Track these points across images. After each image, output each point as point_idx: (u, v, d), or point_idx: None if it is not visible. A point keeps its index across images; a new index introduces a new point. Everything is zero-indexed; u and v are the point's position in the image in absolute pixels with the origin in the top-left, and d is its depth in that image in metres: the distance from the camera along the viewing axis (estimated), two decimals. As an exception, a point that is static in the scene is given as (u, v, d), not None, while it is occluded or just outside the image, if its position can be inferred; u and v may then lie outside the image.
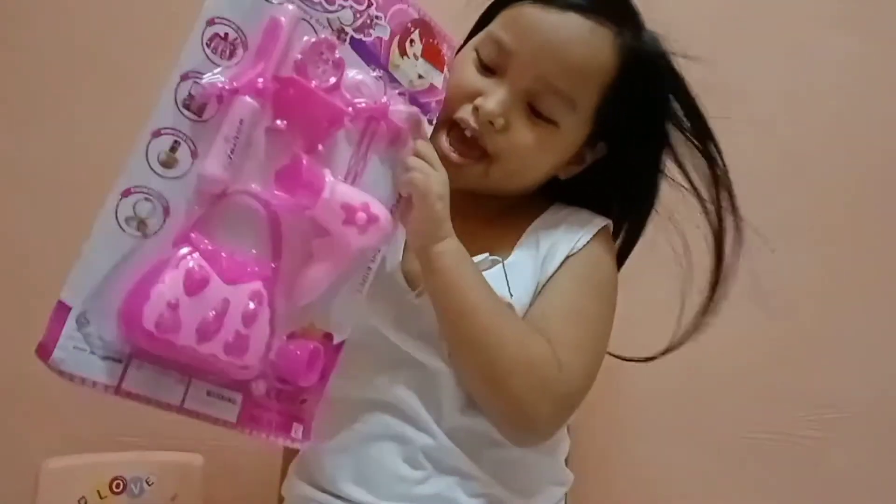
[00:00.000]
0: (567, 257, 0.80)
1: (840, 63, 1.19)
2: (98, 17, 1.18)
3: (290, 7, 0.64)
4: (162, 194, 0.59)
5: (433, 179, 0.70)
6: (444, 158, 0.75)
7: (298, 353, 0.66)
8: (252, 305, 0.61)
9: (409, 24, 0.73)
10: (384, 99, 0.70)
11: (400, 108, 0.71)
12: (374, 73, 0.70)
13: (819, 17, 1.17)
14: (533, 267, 0.80)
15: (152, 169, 0.59)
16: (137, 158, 0.58)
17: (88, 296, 0.57)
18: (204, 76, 0.60)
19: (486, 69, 0.78)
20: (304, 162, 0.63)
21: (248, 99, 0.61)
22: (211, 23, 0.61)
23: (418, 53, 0.74)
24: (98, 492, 1.02)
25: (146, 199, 0.59)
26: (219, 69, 0.61)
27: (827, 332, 1.19)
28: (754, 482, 1.19)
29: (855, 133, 1.22)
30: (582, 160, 0.85)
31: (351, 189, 0.67)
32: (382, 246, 0.71)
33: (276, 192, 0.64)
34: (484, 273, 0.76)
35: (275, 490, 0.97)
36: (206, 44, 0.60)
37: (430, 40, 0.75)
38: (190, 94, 0.60)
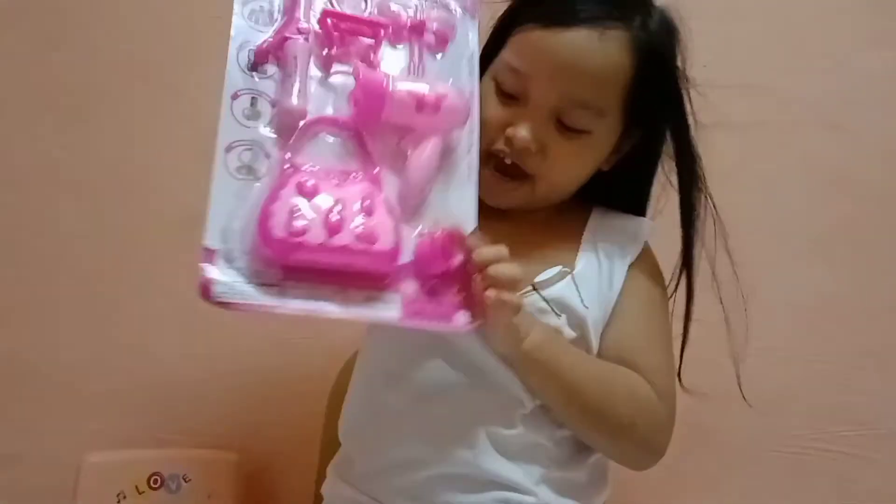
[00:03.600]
0: (629, 269, 0.83)
1: (878, 77, 1.22)
2: (148, 23, 1.23)
3: None
4: (257, 141, 0.67)
5: (507, 297, 0.69)
6: (490, 186, 0.79)
7: (428, 241, 0.69)
8: (367, 201, 0.66)
9: None
10: (419, 9, 0.76)
11: (435, 13, 0.77)
12: (404, -9, 0.77)
13: (856, 33, 1.20)
14: (599, 278, 0.82)
15: (241, 124, 0.67)
16: (226, 119, 0.67)
17: (226, 237, 0.63)
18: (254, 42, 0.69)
19: (508, 97, 0.80)
20: (360, 70, 0.69)
21: (294, 38, 0.69)
22: (245, 3, 0.71)
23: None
24: (136, 487, 1.04)
25: (246, 148, 0.67)
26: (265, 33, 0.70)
27: (863, 349, 1.18)
28: (789, 498, 1.19)
29: (894, 146, 1.23)
30: (620, 149, 0.86)
31: (411, 80, 0.72)
32: (462, 126, 0.74)
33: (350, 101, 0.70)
34: (556, 285, 0.79)
35: (308, 487, 1.01)
36: (248, 18, 0.70)
37: None
38: (248, 58, 0.69)
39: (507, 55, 0.81)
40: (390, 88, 0.69)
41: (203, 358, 1.17)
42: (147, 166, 1.18)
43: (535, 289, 0.78)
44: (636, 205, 0.89)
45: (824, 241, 1.15)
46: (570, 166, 0.82)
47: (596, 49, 0.77)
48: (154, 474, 1.05)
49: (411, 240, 0.69)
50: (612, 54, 0.78)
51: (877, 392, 1.18)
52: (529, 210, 0.84)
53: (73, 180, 1.18)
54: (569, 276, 0.79)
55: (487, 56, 0.83)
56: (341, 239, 0.63)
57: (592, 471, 0.82)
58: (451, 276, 0.70)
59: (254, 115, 0.68)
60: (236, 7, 0.70)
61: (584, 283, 0.80)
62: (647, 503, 1.12)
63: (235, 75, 0.68)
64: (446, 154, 0.73)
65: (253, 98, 0.68)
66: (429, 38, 0.76)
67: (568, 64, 0.77)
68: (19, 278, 1.18)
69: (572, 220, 0.86)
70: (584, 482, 0.81)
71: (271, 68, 0.69)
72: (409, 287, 0.68)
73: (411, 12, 0.76)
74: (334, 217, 0.64)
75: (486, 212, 0.77)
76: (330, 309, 0.64)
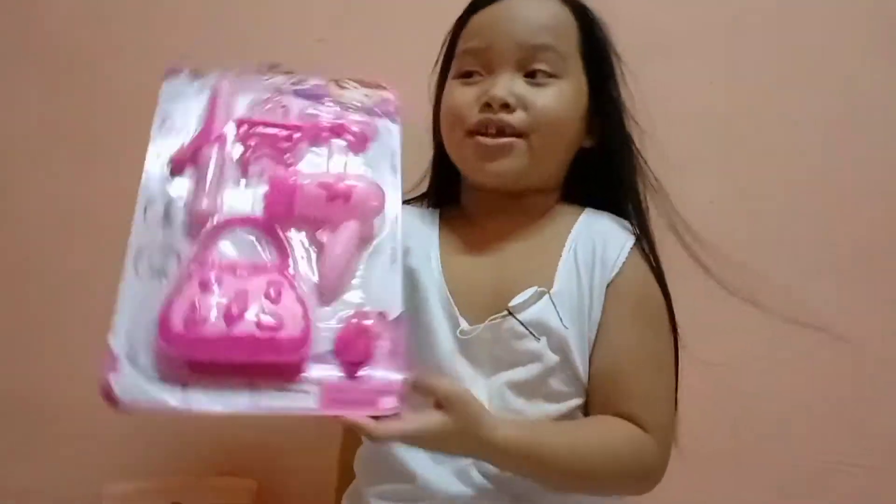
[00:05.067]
0: (608, 286, 0.80)
1: (886, 93, 1.18)
2: (157, 59, 1.19)
3: (225, 82, 0.77)
4: (169, 244, 0.67)
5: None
6: (486, 151, 0.81)
7: (345, 329, 0.66)
8: (272, 289, 0.65)
9: (338, 79, 0.83)
10: (339, 114, 0.78)
11: (356, 118, 0.79)
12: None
13: (867, 49, 1.18)
14: (578, 294, 0.79)
15: (153, 229, 0.68)
16: (138, 225, 0.68)
17: (131, 336, 0.63)
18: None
19: (471, 76, 0.84)
20: (268, 170, 0.71)
21: (209, 145, 0.71)
22: (164, 120, 0.74)
23: (357, 85, 0.83)
24: (157, 518, 1.03)
25: (156, 252, 0.67)
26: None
27: (883, 363, 1.14)
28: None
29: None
30: (592, 129, 0.87)
31: (320, 171, 0.73)
32: (378, 214, 0.73)
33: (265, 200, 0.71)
34: (534, 307, 0.77)
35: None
36: (163, 131, 0.74)
37: (364, 80, 0.84)
38: (166, 166, 0.71)
39: (459, 50, 0.86)
40: (299, 182, 0.70)
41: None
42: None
43: (510, 313, 0.76)
44: (619, 199, 0.87)
45: (839, 259, 1.12)
46: (553, 111, 0.81)
47: (536, 5, 0.84)
48: (174, 504, 1.05)
49: (330, 326, 0.67)
50: (553, 7, 0.84)
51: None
52: (522, 201, 0.84)
53: (86, 218, 1.18)
54: (546, 296, 0.77)
55: (443, 74, 0.90)
56: (243, 328, 0.62)
57: None
58: (372, 360, 0.67)
59: (167, 220, 0.69)
60: (155, 124, 0.74)
61: (563, 301, 0.78)
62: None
63: (151, 184, 0.70)
64: (365, 241, 0.72)
65: (166, 204, 0.70)
66: (348, 138, 0.78)
67: (518, 16, 0.83)
68: (34, 314, 1.19)
69: (559, 227, 0.84)
70: None
71: (188, 173, 0.71)
72: (328, 374, 0.65)
73: (331, 116, 0.78)
74: (235, 308, 0.62)
75: (469, 221, 0.83)
76: (241, 404, 0.62)
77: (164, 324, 0.62)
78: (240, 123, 0.74)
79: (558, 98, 0.81)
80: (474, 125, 0.81)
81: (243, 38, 1.16)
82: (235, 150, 0.73)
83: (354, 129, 0.78)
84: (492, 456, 0.70)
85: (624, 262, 0.80)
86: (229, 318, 0.62)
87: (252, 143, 0.73)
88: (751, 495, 1.11)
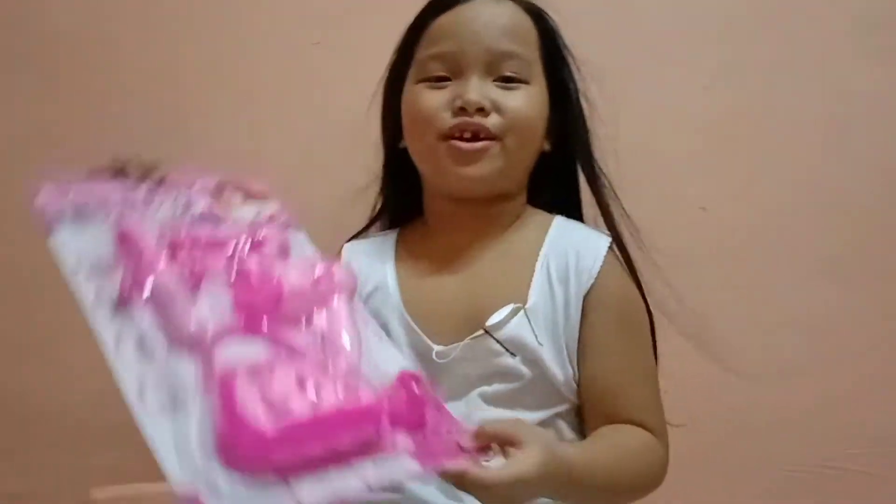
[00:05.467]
0: (585, 298, 0.79)
1: (876, 95, 1.17)
2: (157, 59, 1.20)
3: (127, 217, 0.68)
4: (165, 377, 0.56)
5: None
6: (461, 154, 0.79)
7: (394, 397, 0.61)
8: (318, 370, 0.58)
9: (214, 188, 0.78)
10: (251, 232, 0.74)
11: (266, 232, 0.75)
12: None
13: (856, 50, 1.16)
14: (553, 309, 0.79)
15: (138, 363, 0.57)
16: (120, 366, 0.56)
17: (193, 469, 0.51)
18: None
19: (440, 81, 0.82)
20: (253, 271, 0.66)
21: (154, 271, 0.62)
22: (78, 266, 0.63)
23: (240, 199, 0.78)
24: (146, 524, 1.00)
25: (156, 386, 0.55)
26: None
27: (876, 368, 1.16)
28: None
29: (892, 165, 1.19)
30: (550, 132, 0.87)
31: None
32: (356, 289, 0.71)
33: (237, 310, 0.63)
34: (510, 324, 0.77)
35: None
36: (89, 275, 0.62)
37: (240, 185, 0.80)
38: (113, 299, 0.61)
39: (422, 53, 0.84)
40: (281, 274, 0.66)
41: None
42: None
43: (486, 332, 0.75)
44: (579, 201, 0.89)
45: (833, 262, 1.13)
46: (525, 114, 0.82)
47: (498, 10, 0.84)
48: (162, 509, 0.96)
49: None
50: (515, 13, 0.85)
51: (891, 411, 1.15)
52: (490, 204, 0.83)
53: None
54: (521, 312, 0.77)
55: (397, 78, 0.87)
56: (328, 406, 0.54)
57: None
58: (427, 425, 0.62)
59: (146, 352, 0.58)
60: (69, 272, 0.62)
61: (538, 317, 0.77)
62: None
63: (104, 323, 0.59)
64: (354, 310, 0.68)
65: (137, 338, 0.58)
66: (272, 248, 0.73)
67: (483, 22, 0.82)
68: (24, 316, 1.18)
69: (530, 237, 0.84)
70: None
71: (138, 302, 0.61)
72: (403, 440, 0.59)
73: (244, 234, 0.73)
74: (309, 388, 0.55)
75: (433, 235, 0.83)
76: (353, 486, 0.53)
77: (243, 431, 0.51)
78: (173, 246, 0.66)
79: (528, 101, 0.82)
80: (448, 129, 0.80)
81: (243, 38, 1.19)
82: (181, 270, 0.65)
83: (273, 240, 0.74)
84: (567, 480, 0.65)
85: (599, 271, 0.80)
86: (314, 406, 0.54)
87: (195, 259, 0.66)
88: (741, 498, 1.14)
